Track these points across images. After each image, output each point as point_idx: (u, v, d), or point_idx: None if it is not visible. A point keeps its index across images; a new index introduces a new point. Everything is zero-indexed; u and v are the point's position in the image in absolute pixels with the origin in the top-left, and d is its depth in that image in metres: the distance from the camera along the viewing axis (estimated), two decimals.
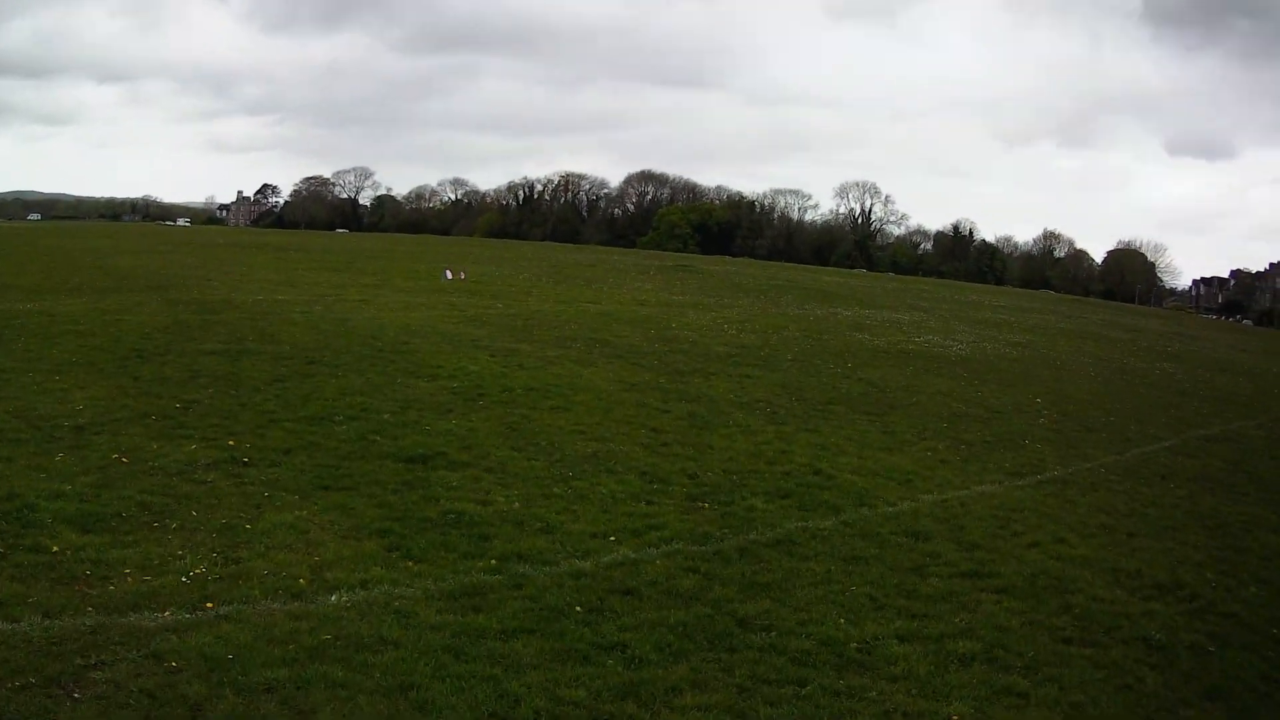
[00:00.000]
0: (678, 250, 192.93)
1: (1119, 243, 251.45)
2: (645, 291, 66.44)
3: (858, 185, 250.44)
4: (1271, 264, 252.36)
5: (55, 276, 51.64)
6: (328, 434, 21.39)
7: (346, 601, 13.25)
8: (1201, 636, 14.91)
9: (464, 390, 26.63)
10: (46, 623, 11.89)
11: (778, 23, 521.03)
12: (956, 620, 14.34)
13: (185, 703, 10.50)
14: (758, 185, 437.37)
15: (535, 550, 15.59)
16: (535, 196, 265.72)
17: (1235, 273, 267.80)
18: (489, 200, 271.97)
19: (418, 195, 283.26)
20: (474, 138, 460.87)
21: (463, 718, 10.74)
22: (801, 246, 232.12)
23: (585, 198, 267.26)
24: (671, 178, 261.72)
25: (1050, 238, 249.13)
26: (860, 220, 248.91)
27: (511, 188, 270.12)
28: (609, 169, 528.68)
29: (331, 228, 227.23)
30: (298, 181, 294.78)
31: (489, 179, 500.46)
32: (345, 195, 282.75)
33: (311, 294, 48.52)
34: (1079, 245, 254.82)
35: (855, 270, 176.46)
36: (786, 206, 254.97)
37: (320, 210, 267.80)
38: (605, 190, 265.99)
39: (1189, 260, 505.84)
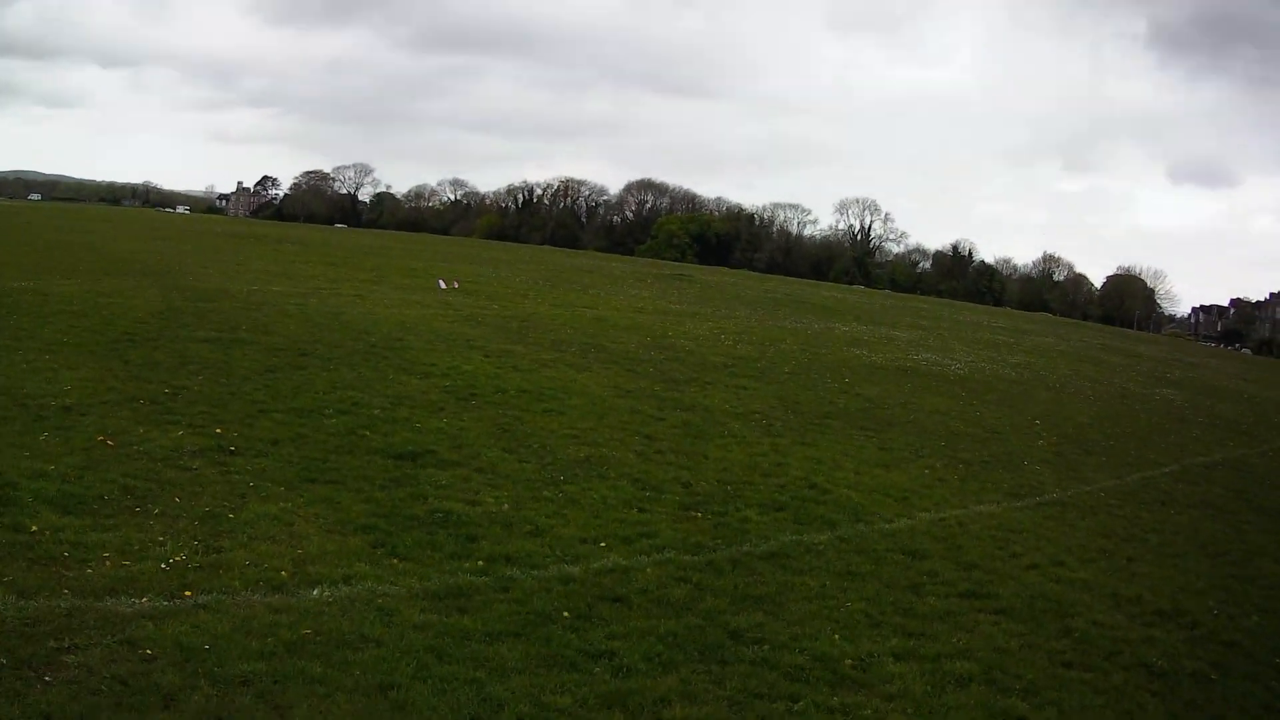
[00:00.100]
0: (676, 260, 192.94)
1: (1119, 268, 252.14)
2: (642, 299, 66.26)
3: (857, 202, 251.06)
4: (1272, 293, 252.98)
5: (52, 257, 51.59)
6: (317, 427, 21.09)
7: (328, 597, 12.90)
8: (1203, 664, 14.54)
9: (456, 389, 26.33)
10: (21, 603, 11.60)
11: (781, 35, 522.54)
12: (954, 640, 13.98)
13: (158, 691, 10.18)
14: (757, 198, 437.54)
15: (523, 553, 15.23)
16: (534, 200, 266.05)
17: (1235, 301, 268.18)
18: (488, 202, 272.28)
19: (417, 194, 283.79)
20: (475, 138, 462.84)
21: None
22: (800, 261, 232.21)
23: (584, 204, 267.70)
24: (671, 187, 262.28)
25: (1050, 261, 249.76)
26: (859, 237, 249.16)
27: (511, 191, 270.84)
28: (609, 175, 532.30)
29: (330, 222, 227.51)
30: (298, 175, 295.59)
31: (488, 180, 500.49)
32: (345, 191, 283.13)
33: (307, 287, 48.31)
34: (1078, 269, 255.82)
35: (853, 286, 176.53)
36: (786, 220, 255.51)
37: (319, 205, 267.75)
38: (605, 197, 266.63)
39: (1189, 288, 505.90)
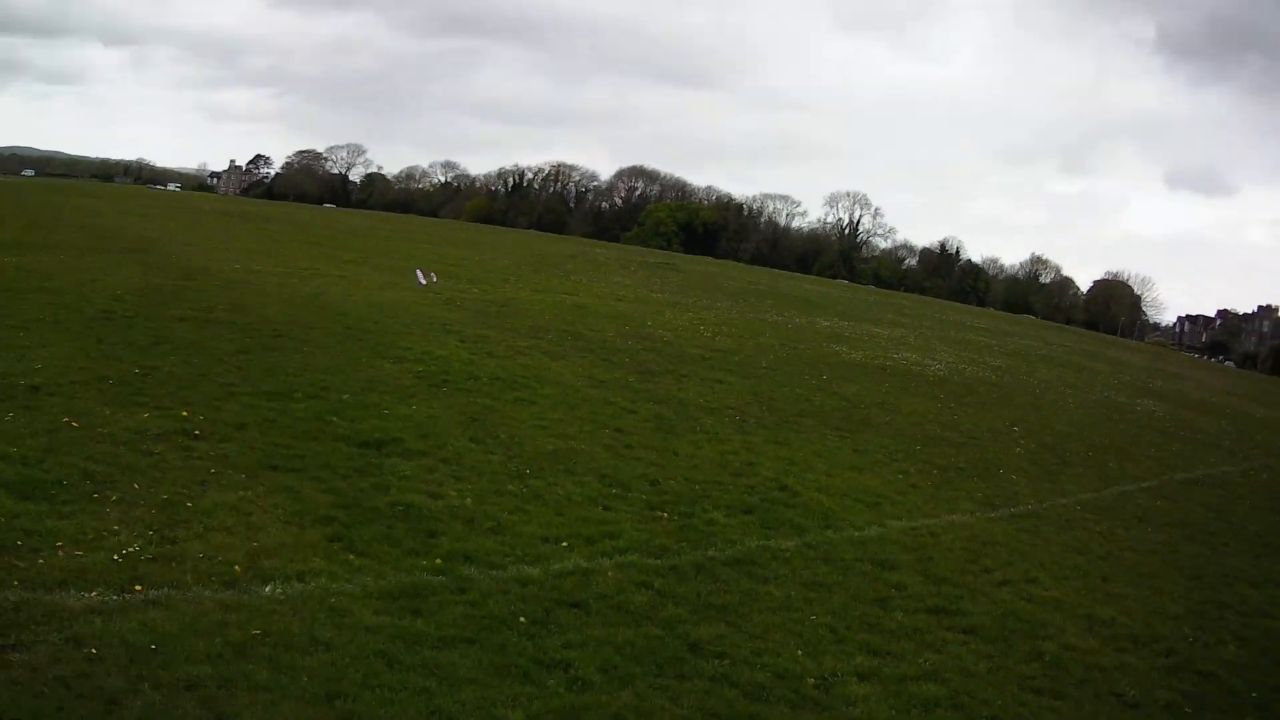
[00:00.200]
0: (662, 248, 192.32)
1: (1106, 273, 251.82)
2: (624, 287, 65.80)
3: (848, 195, 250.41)
4: (1260, 306, 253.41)
5: (36, 232, 51.04)
6: (284, 411, 20.73)
7: (281, 594, 12.55)
8: (1177, 695, 14.18)
9: (428, 375, 25.94)
10: None
11: (785, 29, 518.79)
12: (921, 660, 13.63)
13: (101, 695, 9.84)
14: (748, 188, 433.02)
15: (483, 551, 14.87)
16: (525, 184, 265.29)
17: (1222, 313, 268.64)
18: (479, 185, 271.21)
19: (408, 175, 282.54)
20: (471, 123, 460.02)
21: None
22: (786, 253, 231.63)
23: (574, 189, 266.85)
24: (663, 175, 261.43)
25: (1038, 262, 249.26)
26: (847, 231, 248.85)
27: (502, 174, 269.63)
28: (602, 163, 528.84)
29: (320, 202, 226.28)
30: (291, 154, 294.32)
31: (481, 164, 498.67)
32: (336, 171, 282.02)
33: (288, 267, 47.82)
34: (1066, 272, 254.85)
35: (837, 280, 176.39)
36: (775, 212, 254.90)
37: (310, 184, 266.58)
38: (595, 183, 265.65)
39: (1176, 296, 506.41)
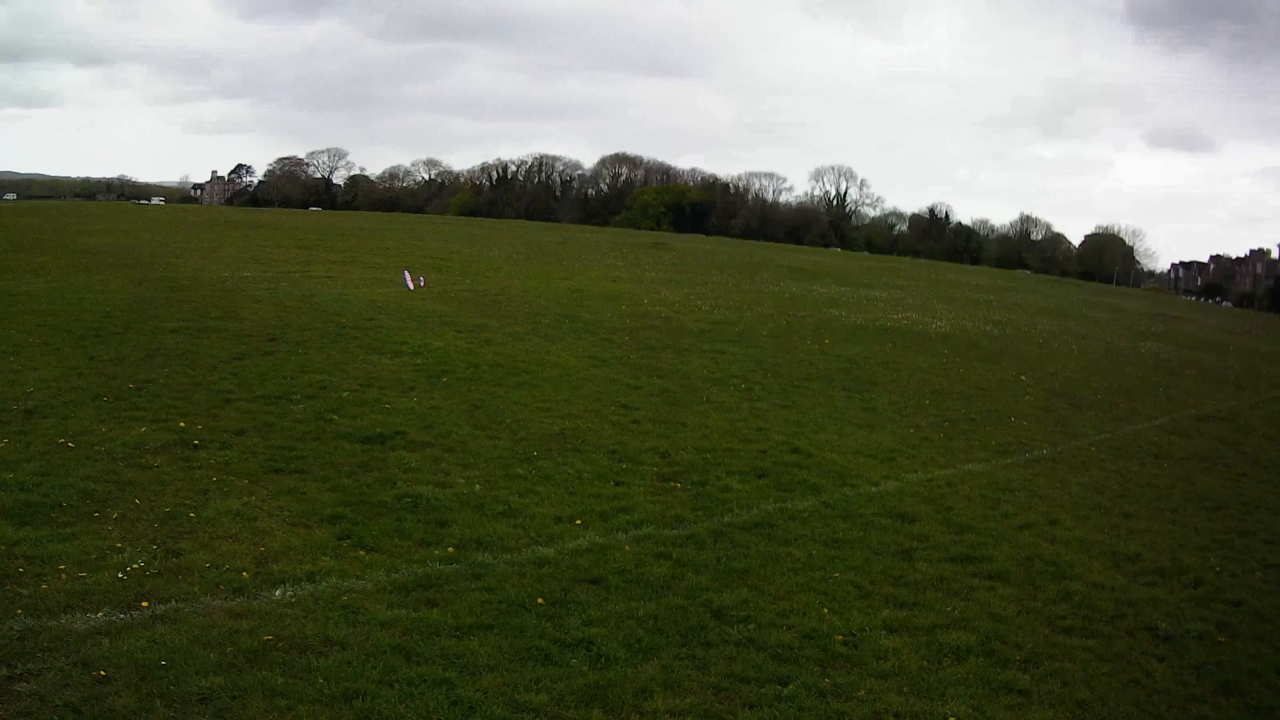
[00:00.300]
0: (652, 229, 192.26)
1: (1097, 227, 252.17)
2: (618, 269, 65.56)
3: (833, 169, 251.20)
4: (1252, 250, 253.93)
5: (20, 255, 50.47)
6: (283, 413, 20.38)
7: (291, 597, 12.21)
8: (1210, 626, 13.92)
9: (427, 367, 25.62)
10: None
11: (755, 18, 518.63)
12: (948, 609, 13.36)
13: (112, 717, 9.50)
14: (732, 169, 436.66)
15: (496, 536, 14.56)
16: (509, 177, 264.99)
17: (1215, 258, 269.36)
18: (463, 180, 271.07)
19: (391, 175, 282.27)
20: (450, 121, 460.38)
21: None
22: (775, 228, 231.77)
23: (559, 178, 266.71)
24: (646, 160, 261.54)
25: (1027, 221, 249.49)
26: (835, 202, 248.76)
27: (485, 168, 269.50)
28: (584, 153, 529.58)
29: (305, 206, 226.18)
30: (272, 161, 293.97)
31: (463, 160, 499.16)
32: (319, 175, 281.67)
33: (278, 270, 47.38)
34: (1056, 229, 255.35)
35: (830, 249, 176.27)
36: (761, 189, 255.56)
37: (294, 190, 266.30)
38: (579, 171, 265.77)
39: (1167, 246, 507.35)
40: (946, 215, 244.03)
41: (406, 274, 45.32)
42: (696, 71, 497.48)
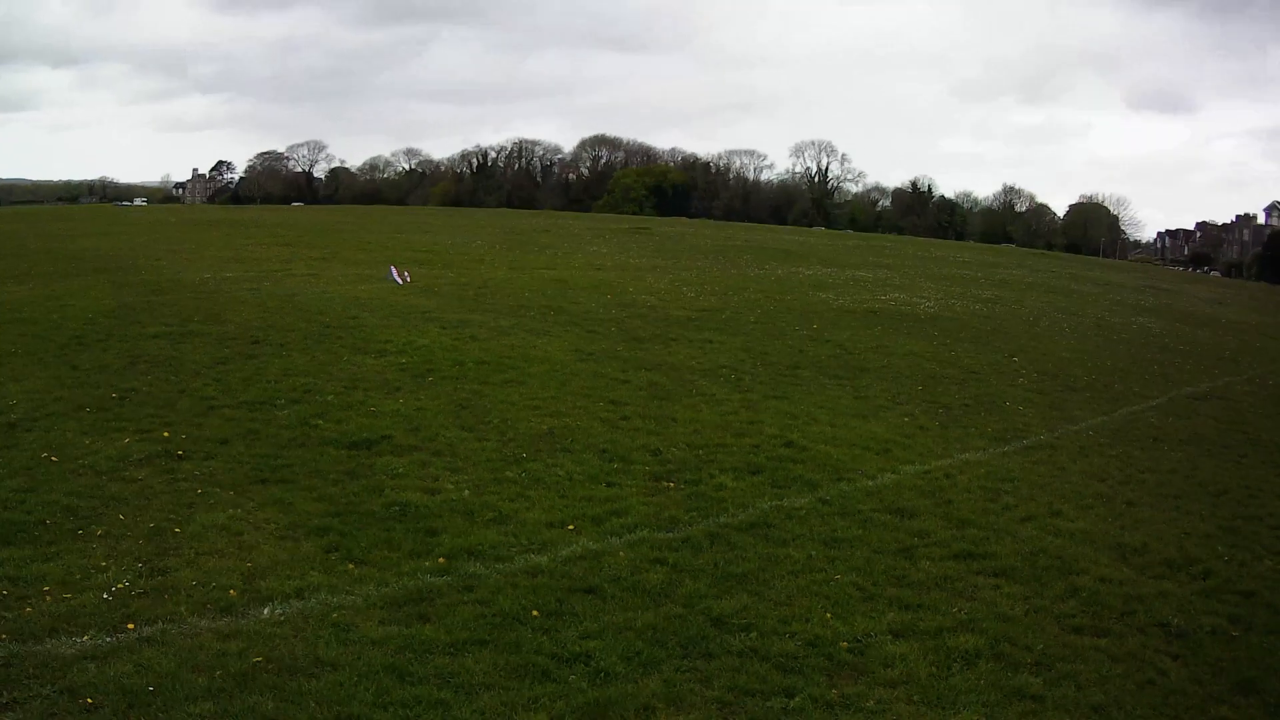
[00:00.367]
0: (634, 213, 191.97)
1: (1081, 196, 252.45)
2: (601, 255, 65.20)
3: (813, 144, 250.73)
4: (1238, 215, 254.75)
5: (2, 264, 50.14)
6: (268, 420, 20.07)
7: (280, 615, 11.91)
8: (1222, 620, 13.66)
9: (412, 366, 25.25)
10: None
11: None
12: (955, 610, 13.07)
13: None
14: (712, 147, 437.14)
15: (487, 544, 14.25)
16: (489, 164, 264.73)
17: (1201, 225, 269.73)
18: (443, 169, 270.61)
19: (371, 166, 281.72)
20: (426, 107, 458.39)
21: None
22: (758, 206, 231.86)
23: (539, 163, 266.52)
24: (625, 141, 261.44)
25: (1011, 192, 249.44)
26: (816, 179, 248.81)
27: (465, 156, 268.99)
28: (563, 134, 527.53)
29: (287, 201, 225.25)
30: (252, 157, 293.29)
31: (443, 147, 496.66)
32: (300, 169, 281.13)
33: (260, 270, 46.93)
34: (1040, 199, 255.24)
35: (813, 228, 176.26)
36: (742, 167, 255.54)
37: (275, 185, 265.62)
38: (559, 155, 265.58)
39: (1153, 213, 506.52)
40: (929, 189, 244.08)
41: (393, 269, 44.96)
42: (667, 47, 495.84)
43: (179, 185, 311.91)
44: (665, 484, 17.57)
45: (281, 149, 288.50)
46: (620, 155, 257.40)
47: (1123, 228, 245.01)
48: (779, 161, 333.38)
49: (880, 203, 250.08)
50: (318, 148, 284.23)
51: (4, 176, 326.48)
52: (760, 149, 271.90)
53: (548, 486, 17.03)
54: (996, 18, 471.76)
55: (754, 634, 12.02)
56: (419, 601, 12.43)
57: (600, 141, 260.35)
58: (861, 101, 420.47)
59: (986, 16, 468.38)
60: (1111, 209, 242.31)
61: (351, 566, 13.40)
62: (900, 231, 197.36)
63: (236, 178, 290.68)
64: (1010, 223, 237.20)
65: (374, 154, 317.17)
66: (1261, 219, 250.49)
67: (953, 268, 76.46)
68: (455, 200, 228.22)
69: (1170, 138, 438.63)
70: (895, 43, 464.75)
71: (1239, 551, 16.44)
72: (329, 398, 21.81)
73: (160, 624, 11.50)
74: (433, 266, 51.26)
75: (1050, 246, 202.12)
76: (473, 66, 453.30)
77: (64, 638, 11.10)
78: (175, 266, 46.98)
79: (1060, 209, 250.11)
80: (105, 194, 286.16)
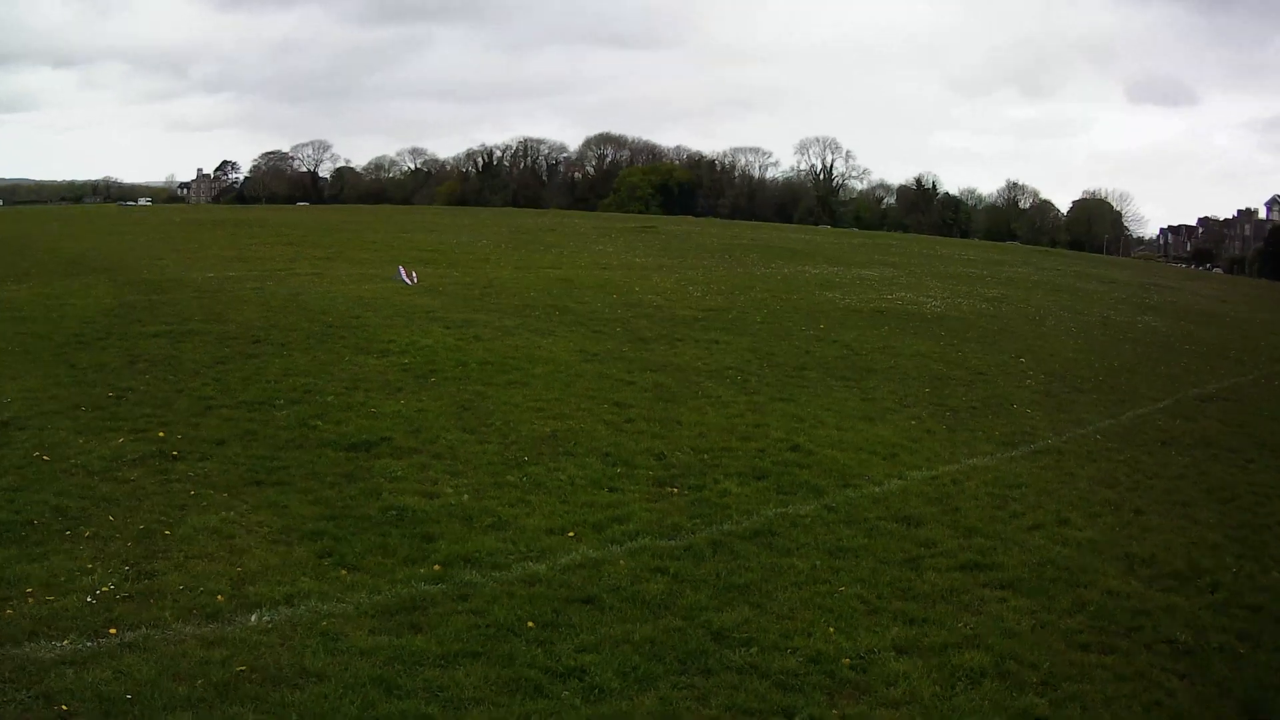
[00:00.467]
0: (640, 211, 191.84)
1: (1084, 192, 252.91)
2: (607, 255, 65.00)
3: (818, 141, 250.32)
4: (1239, 210, 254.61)
5: (3, 263, 49.96)
6: (266, 420, 19.90)
7: (268, 622, 11.66)
8: (1230, 636, 13.33)
9: (415, 367, 25.07)
10: None
11: None
12: (960, 625, 12.78)
13: None
14: (717, 144, 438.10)
15: (484, 552, 14.01)
16: (494, 163, 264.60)
17: (1203, 220, 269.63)
18: (448, 169, 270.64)
19: (377, 166, 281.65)
20: (431, 106, 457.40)
21: None
22: (764, 205, 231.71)
23: (545, 162, 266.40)
24: (630, 139, 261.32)
25: (1014, 189, 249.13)
26: (822, 176, 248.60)
27: (470, 155, 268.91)
28: (567, 132, 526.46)
29: (292, 201, 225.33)
30: (257, 157, 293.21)
31: (448, 146, 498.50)
32: (305, 169, 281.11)
33: (263, 269, 46.79)
34: (1043, 195, 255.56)
35: (819, 226, 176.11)
36: (747, 165, 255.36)
37: (280, 185, 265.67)
38: (565, 154, 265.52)
39: (1155, 209, 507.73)
40: (934, 185, 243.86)
41: (401, 269, 44.74)
42: (669, 43, 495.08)
43: (183, 185, 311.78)
44: (669, 489, 17.33)
45: (286, 149, 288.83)
46: (625, 153, 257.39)
47: (1126, 224, 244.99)
48: (784, 159, 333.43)
49: (885, 200, 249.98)
50: (322, 147, 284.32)
51: (7, 177, 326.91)
52: (765, 146, 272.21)
53: (549, 491, 16.81)
54: (995, 11, 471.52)
55: (754, 649, 11.75)
56: (411, 610, 12.19)
57: (605, 140, 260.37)
58: (863, 97, 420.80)
59: (985, 10, 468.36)
60: (1115, 205, 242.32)
61: (344, 573, 13.16)
62: (905, 229, 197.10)
63: (241, 178, 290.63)
64: (1014, 220, 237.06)
65: (379, 154, 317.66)
66: (1263, 214, 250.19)
67: (958, 266, 76.26)
68: (460, 199, 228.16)
69: (1171, 130, 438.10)
70: (894, 37, 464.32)
71: (1247, 562, 16.15)
72: (329, 398, 21.65)
73: (144, 629, 11.29)
74: (438, 266, 51.09)
75: (1054, 243, 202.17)
76: (475, 65, 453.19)
77: (44, 641, 10.89)
78: (178, 266, 46.87)
79: (1063, 205, 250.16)
80: (109, 194, 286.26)
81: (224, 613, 11.85)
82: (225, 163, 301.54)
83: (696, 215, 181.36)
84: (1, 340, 26.64)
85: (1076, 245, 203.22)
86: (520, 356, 27.10)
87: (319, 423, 19.79)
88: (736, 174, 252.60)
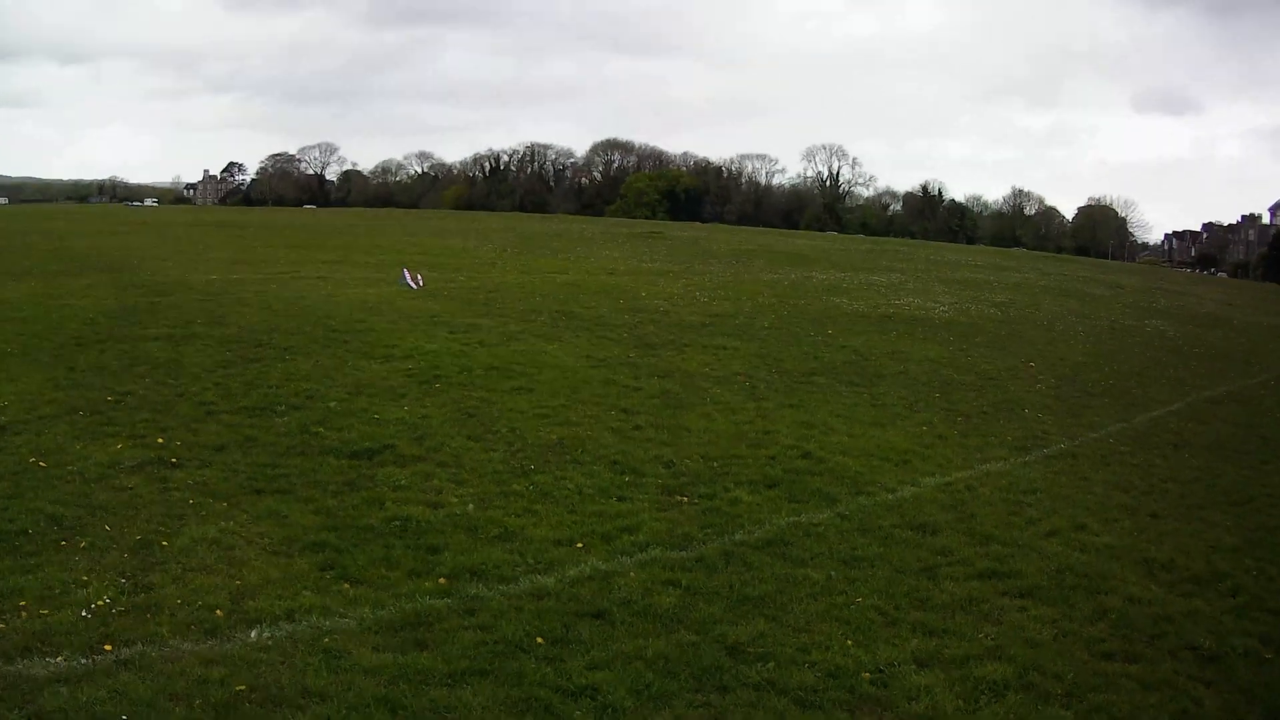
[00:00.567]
0: (647, 218, 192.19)
1: (1089, 199, 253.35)
2: (614, 260, 64.93)
3: (824, 148, 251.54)
4: (1243, 216, 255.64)
5: (5, 261, 49.74)
6: (267, 426, 19.56)
7: (268, 638, 11.23)
8: (1254, 641, 12.99)
9: (419, 372, 24.76)
10: None
11: None
12: (980, 636, 12.42)
13: None
14: (724, 150, 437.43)
15: (491, 564, 13.61)
16: (501, 168, 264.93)
17: (1207, 226, 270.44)
18: (455, 173, 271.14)
19: (384, 169, 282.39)
20: (439, 109, 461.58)
21: None
22: (770, 211, 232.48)
23: (552, 168, 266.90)
24: (638, 145, 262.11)
25: (1020, 195, 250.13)
26: (828, 183, 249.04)
27: (477, 159, 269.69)
28: (574, 138, 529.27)
29: (299, 204, 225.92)
30: (264, 159, 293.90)
31: (455, 151, 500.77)
32: (312, 171, 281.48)
33: (267, 272, 46.69)
34: (1049, 202, 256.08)
35: (826, 233, 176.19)
36: (754, 171, 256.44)
37: (287, 187, 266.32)
38: (572, 160, 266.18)
39: (1159, 215, 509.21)
40: (940, 193, 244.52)
41: (406, 272, 44.49)
42: (677, 50, 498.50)
43: (190, 186, 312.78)
44: (678, 498, 16.97)
45: (293, 151, 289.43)
46: (633, 159, 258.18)
47: (1130, 230, 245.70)
48: (791, 166, 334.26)
49: (891, 207, 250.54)
50: (329, 150, 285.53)
51: (13, 175, 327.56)
52: (771, 153, 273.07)
53: (556, 501, 16.42)
54: (1003, 21, 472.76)
55: (771, 664, 11.35)
56: (417, 626, 11.79)
57: (612, 145, 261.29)
58: (870, 105, 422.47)
59: (993, 20, 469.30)
60: (1120, 212, 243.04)
61: (347, 586, 12.77)
62: (912, 235, 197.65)
63: (248, 179, 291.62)
64: (1020, 226, 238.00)
65: (386, 157, 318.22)
66: (1266, 219, 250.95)
67: (965, 271, 76.26)
68: (468, 204, 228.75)
69: (1176, 139, 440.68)
70: (902, 47, 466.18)
71: (1267, 565, 15.85)
72: (331, 404, 21.36)
73: (140, 646, 10.88)
74: (443, 270, 51.05)
75: (1060, 249, 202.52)
76: (484, 70, 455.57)
77: (37, 658, 10.51)
78: (181, 268, 46.84)
79: (1069, 212, 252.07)
80: (115, 194, 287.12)
81: (223, 629, 11.45)
82: (232, 164, 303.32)
83: (703, 221, 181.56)
84: (1, 340, 26.41)
85: (1082, 251, 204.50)
86: (525, 362, 26.82)
87: (321, 429, 19.48)
88: (743, 180, 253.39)
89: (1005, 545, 15.66)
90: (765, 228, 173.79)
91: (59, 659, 10.50)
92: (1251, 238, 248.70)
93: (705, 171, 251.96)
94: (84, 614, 11.49)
